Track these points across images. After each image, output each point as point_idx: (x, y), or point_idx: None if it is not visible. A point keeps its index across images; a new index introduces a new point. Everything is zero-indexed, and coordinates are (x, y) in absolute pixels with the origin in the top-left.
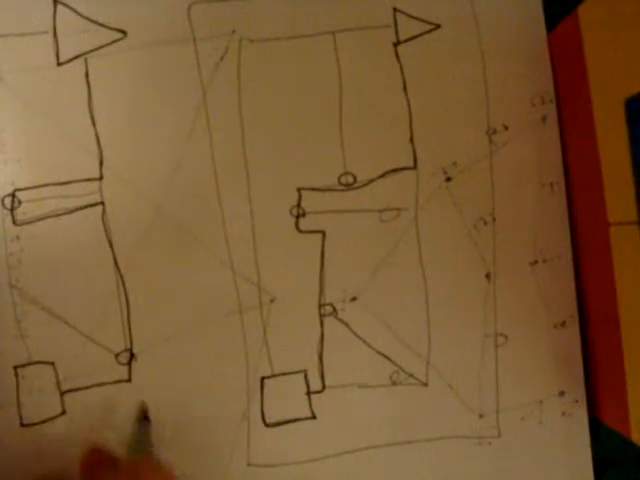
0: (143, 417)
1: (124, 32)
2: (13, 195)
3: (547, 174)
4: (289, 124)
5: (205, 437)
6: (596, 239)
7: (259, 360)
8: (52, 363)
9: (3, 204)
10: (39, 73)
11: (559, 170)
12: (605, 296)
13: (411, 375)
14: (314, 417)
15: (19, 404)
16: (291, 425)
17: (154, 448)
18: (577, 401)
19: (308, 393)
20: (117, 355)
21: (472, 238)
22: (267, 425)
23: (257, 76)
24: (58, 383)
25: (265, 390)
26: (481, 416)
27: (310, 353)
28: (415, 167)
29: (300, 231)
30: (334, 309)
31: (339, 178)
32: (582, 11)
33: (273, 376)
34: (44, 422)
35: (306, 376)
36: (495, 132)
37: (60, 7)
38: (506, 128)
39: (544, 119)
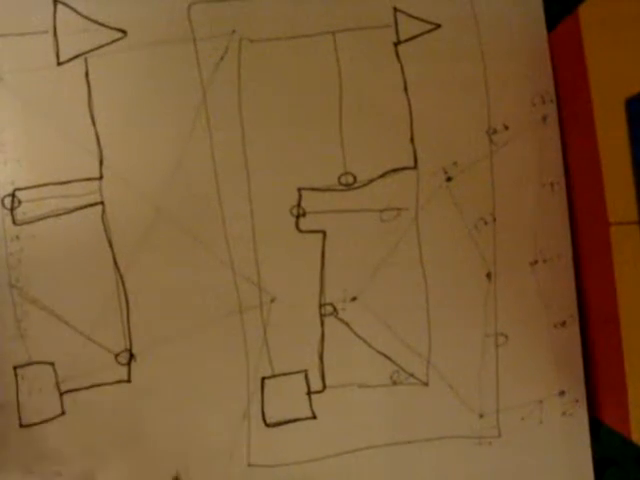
0: None
1: (124, 32)
2: (13, 195)
3: (547, 174)
4: (289, 124)
5: (205, 437)
6: (596, 239)
7: (259, 360)
8: (52, 363)
9: (3, 204)
10: (39, 73)
11: (559, 170)
12: (605, 296)
13: (411, 375)
14: (314, 417)
15: (19, 404)
16: (291, 425)
17: None
18: (577, 401)
19: (308, 393)
20: (117, 355)
21: (472, 238)
22: (267, 425)
23: (257, 76)
24: (58, 383)
25: (265, 390)
26: (481, 416)
27: (310, 353)
28: (415, 167)
29: (300, 231)
30: (334, 309)
31: (339, 178)
32: (582, 11)
33: (273, 376)
34: (44, 422)
35: (306, 376)
36: (495, 132)
37: (60, 7)
38: (506, 128)
39: (544, 119)
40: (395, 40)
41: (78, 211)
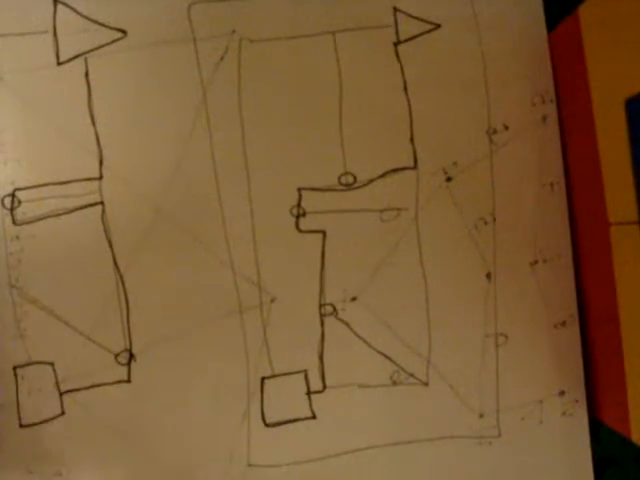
0: None
1: (124, 32)
2: (13, 195)
3: (547, 174)
4: (289, 124)
5: (205, 437)
6: (596, 239)
7: (259, 360)
8: (51, 363)
9: (3, 204)
10: (39, 73)
11: (559, 170)
12: (605, 296)
13: (411, 375)
14: (314, 417)
15: (18, 404)
16: (291, 425)
17: None
18: (577, 401)
19: (308, 393)
20: (116, 355)
21: (472, 238)
22: (267, 425)
23: (257, 76)
24: (57, 383)
25: (265, 390)
26: (481, 416)
27: (310, 353)
28: (415, 167)
29: (300, 231)
30: (334, 309)
31: (339, 178)
32: (582, 11)
33: (273, 376)
34: (43, 422)
35: (306, 376)
36: (495, 132)
37: (60, 7)
38: (506, 128)
39: (544, 119)
40: (395, 40)
41: (78, 211)
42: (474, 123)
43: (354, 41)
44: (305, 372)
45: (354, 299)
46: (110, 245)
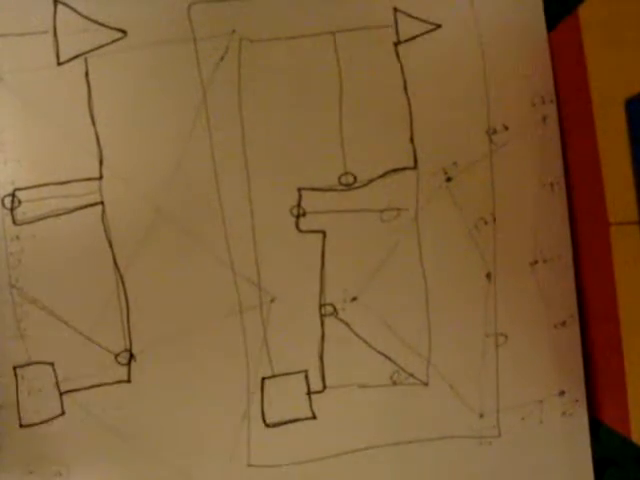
0: None
1: (124, 32)
2: (13, 195)
3: (547, 174)
4: (289, 124)
5: (205, 437)
6: (596, 239)
7: (259, 360)
8: (51, 363)
9: (3, 204)
10: (39, 73)
11: (559, 170)
12: (605, 296)
13: (411, 375)
14: (314, 417)
15: (18, 404)
16: (291, 425)
17: None
18: (577, 401)
19: (308, 393)
20: (116, 355)
21: (472, 238)
22: (267, 425)
23: (257, 76)
24: (57, 383)
25: (265, 390)
26: (481, 416)
27: (311, 353)
28: (415, 167)
29: (300, 231)
30: (334, 309)
31: (339, 178)
32: (582, 11)
33: (273, 376)
34: (43, 422)
35: (307, 376)
36: (495, 132)
37: (60, 7)
38: (506, 128)
39: (544, 119)
40: (395, 40)
41: (78, 211)
42: (474, 123)
43: (354, 41)
44: (305, 372)
45: (354, 299)
46: (110, 245)
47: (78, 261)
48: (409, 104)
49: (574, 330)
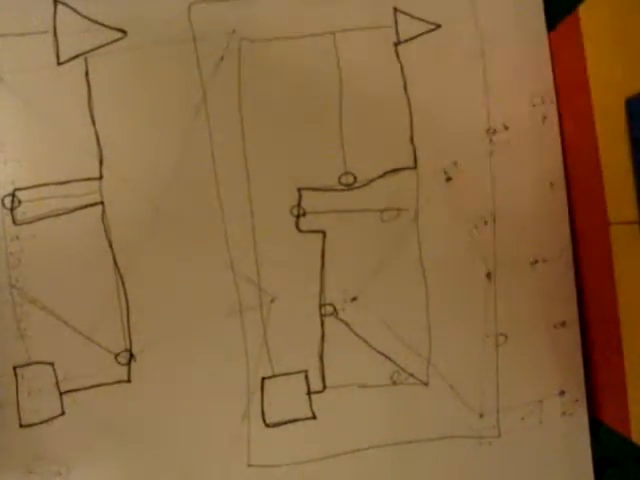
0: None
1: (124, 32)
2: (13, 195)
3: (547, 174)
4: (289, 124)
5: (205, 437)
6: (596, 239)
7: (259, 360)
8: (51, 363)
9: (3, 204)
10: (39, 73)
11: (559, 170)
12: (605, 296)
13: (412, 375)
14: (314, 417)
15: (18, 404)
16: (291, 425)
17: None
18: (577, 401)
19: (308, 393)
20: (116, 355)
21: (472, 238)
22: (267, 425)
23: (257, 76)
24: (57, 383)
25: (265, 390)
26: (481, 416)
27: (311, 353)
28: (415, 167)
29: (300, 231)
30: (335, 309)
31: (339, 178)
32: (582, 11)
33: (273, 376)
34: (43, 422)
35: (307, 376)
36: (495, 132)
37: (60, 7)
38: (506, 128)
39: (544, 119)
40: (395, 40)
41: (78, 211)
42: (474, 123)
43: (354, 41)
44: (305, 372)
45: (354, 299)
46: (110, 245)
47: (78, 261)
48: (409, 104)
49: (574, 330)
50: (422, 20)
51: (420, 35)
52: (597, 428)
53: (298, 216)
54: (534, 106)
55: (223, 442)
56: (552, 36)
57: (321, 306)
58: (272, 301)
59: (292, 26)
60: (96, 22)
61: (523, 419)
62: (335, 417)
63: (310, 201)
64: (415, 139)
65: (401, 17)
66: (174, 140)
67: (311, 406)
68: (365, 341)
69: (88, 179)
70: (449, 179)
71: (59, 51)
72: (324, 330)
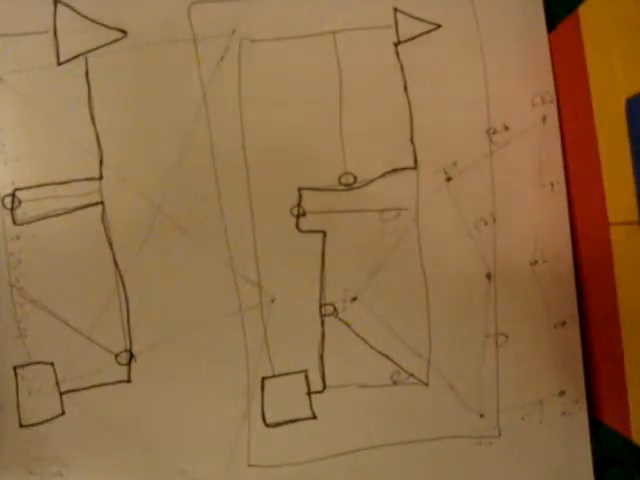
0: None
1: (124, 32)
2: (13, 195)
3: (547, 174)
4: (289, 124)
5: (205, 437)
6: (596, 239)
7: (259, 360)
8: (51, 363)
9: (3, 204)
10: (39, 73)
11: (559, 170)
12: (605, 296)
13: (412, 375)
14: (315, 417)
15: (18, 404)
16: (292, 425)
17: None
18: (577, 401)
19: (309, 393)
20: (116, 355)
21: (472, 238)
22: (268, 425)
23: (257, 76)
24: (57, 383)
25: (266, 390)
26: (481, 416)
27: (311, 353)
28: (415, 167)
29: (300, 231)
30: (335, 309)
31: (339, 178)
32: (582, 11)
33: (274, 376)
34: (43, 422)
35: (307, 376)
36: (495, 132)
37: (60, 7)
38: (506, 128)
39: (544, 119)
40: (395, 40)
41: (78, 211)
42: (474, 123)
43: (354, 41)
44: (305, 372)
45: (354, 299)
46: (110, 245)
47: (78, 261)
48: (409, 104)
49: (574, 330)
50: (422, 20)
51: (420, 35)
52: (597, 428)
53: (298, 216)
54: (534, 106)
55: (223, 442)
56: (552, 36)
57: (321, 306)
58: (272, 301)
59: (292, 26)
60: (96, 22)
61: (523, 419)
62: (335, 417)
63: (310, 201)
64: (415, 139)
65: (401, 17)
66: (174, 140)
67: (311, 406)
68: (365, 341)
69: (88, 179)
70: (449, 179)
71: (59, 51)
72: (324, 330)
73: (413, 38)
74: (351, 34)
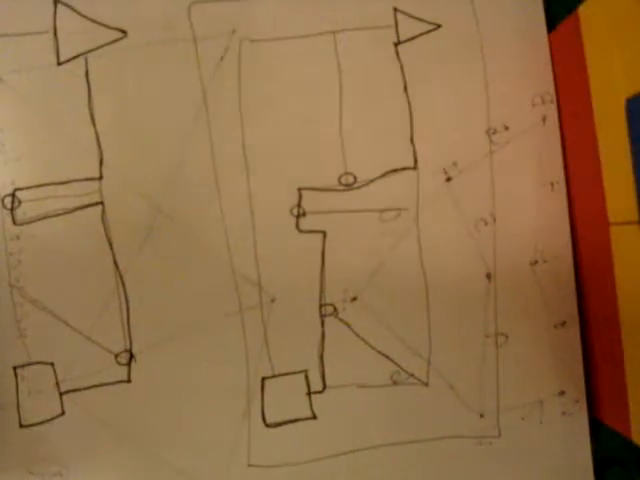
0: None
1: (124, 32)
2: (13, 195)
3: (547, 174)
4: (289, 124)
5: (205, 437)
6: (596, 239)
7: (259, 360)
8: (51, 363)
9: (3, 204)
10: (39, 73)
11: (559, 170)
12: (605, 296)
13: (412, 375)
14: (315, 417)
15: (18, 404)
16: (292, 425)
17: None
18: (577, 401)
19: (309, 393)
20: (116, 356)
21: (472, 238)
22: (267, 425)
23: (257, 76)
24: (57, 384)
25: (265, 390)
26: (481, 416)
27: (311, 353)
28: (415, 167)
29: (300, 231)
30: (335, 309)
31: (339, 178)
32: (582, 11)
33: (274, 376)
34: (43, 423)
35: (307, 376)
36: (495, 132)
37: (60, 7)
38: (506, 128)
39: (544, 119)
40: (395, 40)
41: (78, 211)
42: (474, 123)
43: (354, 41)
44: (305, 372)
45: (354, 299)
46: (110, 245)
47: (78, 261)
48: (409, 104)
49: (574, 330)
50: (422, 20)
51: (420, 35)
52: (597, 428)
53: (298, 216)
54: (534, 106)
55: (223, 442)
56: (552, 36)
57: (321, 306)
58: (272, 301)
59: (292, 26)
60: (96, 22)
61: (523, 419)
62: (335, 417)
63: (310, 201)
64: (415, 139)
65: (401, 17)
66: (174, 140)
67: (311, 406)
68: (365, 341)
69: (88, 179)
70: (449, 179)
71: (59, 51)
72: (324, 330)
73: (413, 38)
74: (351, 34)
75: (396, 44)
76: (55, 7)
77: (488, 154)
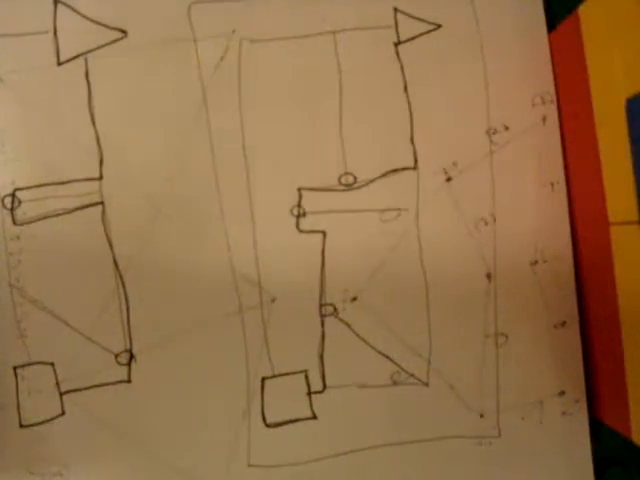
0: None
1: (124, 32)
2: (13, 195)
3: (547, 174)
4: (289, 124)
5: (205, 437)
6: (596, 239)
7: (259, 360)
8: (51, 363)
9: (3, 204)
10: (39, 73)
11: (559, 170)
12: (605, 296)
13: (412, 375)
14: (315, 417)
15: (18, 404)
16: (292, 425)
17: None
18: (577, 401)
19: (309, 393)
20: (117, 356)
21: (472, 238)
22: (268, 425)
23: (257, 76)
24: (57, 384)
25: (266, 390)
26: (482, 416)
27: (311, 353)
28: (415, 167)
29: (300, 231)
30: (335, 309)
31: (339, 178)
32: (582, 11)
33: (274, 376)
34: (44, 423)
35: (307, 376)
36: (495, 132)
37: (60, 7)
38: (506, 128)
39: (544, 119)
40: (395, 40)
41: (78, 211)
42: (474, 123)
43: (354, 41)
44: (305, 372)
45: (354, 299)
46: (110, 245)
47: (78, 261)
48: (409, 104)
49: (574, 330)
50: (422, 20)
51: (420, 35)
52: (597, 428)
53: (298, 216)
54: (534, 106)
55: (223, 442)
56: (552, 36)
57: (321, 306)
58: (272, 301)
59: (292, 26)
60: (96, 22)
61: (523, 419)
62: (335, 417)
63: (310, 201)
64: (415, 139)
65: (401, 17)
66: (174, 140)
67: (311, 406)
68: (365, 341)
69: (88, 179)
70: (449, 179)
71: (59, 51)
72: (324, 330)
73: (413, 38)
74: (351, 34)
75: (396, 44)
76: (55, 7)
77: (488, 154)
